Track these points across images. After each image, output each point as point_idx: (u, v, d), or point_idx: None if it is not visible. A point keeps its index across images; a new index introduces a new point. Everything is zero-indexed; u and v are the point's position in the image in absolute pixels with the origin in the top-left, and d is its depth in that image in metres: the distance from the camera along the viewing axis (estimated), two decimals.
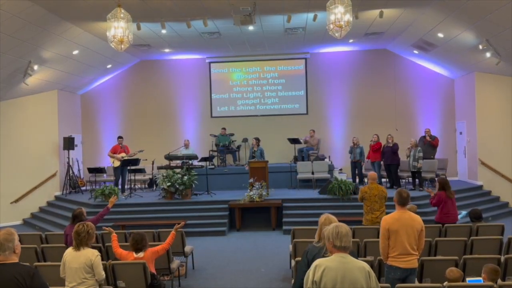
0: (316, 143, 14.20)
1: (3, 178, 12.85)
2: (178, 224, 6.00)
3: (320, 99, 15.46)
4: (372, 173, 7.98)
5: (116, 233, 5.80)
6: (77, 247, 4.50)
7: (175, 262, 6.76)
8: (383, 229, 4.74)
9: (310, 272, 3.18)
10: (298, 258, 4.76)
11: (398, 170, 12.24)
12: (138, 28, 10.68)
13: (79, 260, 4.42)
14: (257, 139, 13.67)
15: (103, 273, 4.53)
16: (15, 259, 3.28)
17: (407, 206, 7.89)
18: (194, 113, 15.75)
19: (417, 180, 11.89)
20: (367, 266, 3.16)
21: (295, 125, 15.20)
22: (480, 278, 4.42)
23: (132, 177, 13.06)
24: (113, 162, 12.53)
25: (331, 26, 7.91)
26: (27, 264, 3.53)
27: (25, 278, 3.14)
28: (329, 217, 4.21)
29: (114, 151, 12.58)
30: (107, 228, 5.85)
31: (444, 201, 7.58)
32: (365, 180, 13.24)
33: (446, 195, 7.54)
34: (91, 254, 4.47)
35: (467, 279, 4.67)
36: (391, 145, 11.98)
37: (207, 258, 8.50)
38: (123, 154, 12.47)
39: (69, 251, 4.55)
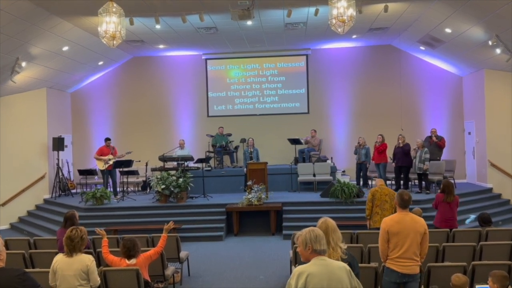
0: (318, 143, 14.20)
1: None
2: (167, 224, 6.03)
3: (322, 97, 15.46)
4: (379, 179, 8.37)
5: (108, 238, 5.80)
6: (70, 253, 4.48)
7: (170, 269, 6.76)
8: (382, 231, 4.77)
9: (292, 281, 3.18)
10: None
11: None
12: (131, 23, 10.68)
13: (73, 267, 4.41)
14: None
15: (99, 279, 4.54)
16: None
17: (413, 210, 7.95)
18: (189, 112, 15.74)
19: (423, 182, 11.89)
20: (347, 266, 3.27)
21: (295, 125, 15.20)
22: (488, 286, 4.42)
23: (125, 180, 13.06)
24: (103, 165, 12.48)
25: (334, 21, 7.91)
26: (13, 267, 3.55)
27: (14, 281, 3.16)
28: (326, 221, 4.20)
29: (101, 153, 12.57)
30: (99, 230, 5.82)
31: (440, 204, 7.61)
32: (370, 182, 13.29)
33: (443, 199, 7.57)
34: (87, 260, 4.46)
35: (476, 286, 4.67)
36: (401, 145, 11.97)
37: (204, 265, 8.50)
38: (110, 156, 12.45)
39: (60, 258, 4.53)
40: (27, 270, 5.58)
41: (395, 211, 7.35)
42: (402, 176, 12.14)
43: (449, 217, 7.60)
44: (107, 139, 12.92)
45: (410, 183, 12.63)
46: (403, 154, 11.92)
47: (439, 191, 8.19)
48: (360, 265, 5.40)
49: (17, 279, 3.22)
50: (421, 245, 4.72)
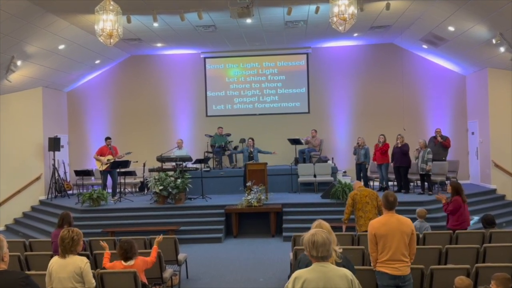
0: (318, 143, 14.20)
1: None
2: (158, 237, 6.17)
3: (322, 97, 15.46)
4: (357, 181, 8.40)
5: (105, 240, 5.81)
6: (63, 255, 4.47)
7: (168, 271, 6.75)
8: (370, 234, 4.81)
9: (289, 285, 3.22)
10: None
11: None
12: (129, 21, 10.68)
13: (67, 269, 4.39)
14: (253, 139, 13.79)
15: (94, 281, 4.52)
16: (2, 266, 3.34)
17: (417, 210, 7.96)
18: (188, 112, 15.74)
19: (426, 183, 11.90)
20: (349, 274, 3.24)
21: (296, 125, 15.20)
22: None
23: (122, 181, 13.05)
24: (100, 165, 12.47)
25: (335, 19, 7.91)
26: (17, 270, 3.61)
27: (17, 284, 3.21)
28: (321, 223, 4.21)
29: (100, 152, 12.54)
30: (103, 243, 5.82)
31: (462, 207, 7.56)
32: (371, 183, 13.30)
33: (462, 200, 7.53)
34: (80, 262, 4.44)
35: None
36: (400, 145, 11.98)
37: (202, 267, 8.50)
38: (109, 157, 12.43)
39: (55, 260, 4.52)
40: None
41: (379, 210, 7.47)
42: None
43: (467, 218, 7.63)
44: (107, 138, 12.89)
45: (412, 184, 12.63)
46: (401, 154, 11.93)
47: (449, 192, 8.03)
48: (361, 267, 5.41)
49: (20, 282, 3.26)
50: (409, 246, 4.75)
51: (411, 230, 4.74)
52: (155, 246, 5.96)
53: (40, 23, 10.39)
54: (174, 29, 12.43)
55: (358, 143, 13.08)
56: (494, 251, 6.06)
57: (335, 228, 5.01)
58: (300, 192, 12.95)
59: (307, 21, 12.06)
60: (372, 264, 4.92)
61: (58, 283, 4.40)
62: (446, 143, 12.69)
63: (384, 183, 12.53)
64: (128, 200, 12.30)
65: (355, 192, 7.73)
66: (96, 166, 13.01)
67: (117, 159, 12.51)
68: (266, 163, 12.37)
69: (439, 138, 12.68)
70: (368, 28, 12.92)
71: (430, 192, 11.70)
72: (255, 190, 11.03)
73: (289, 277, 3.95)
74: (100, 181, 13.23)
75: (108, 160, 12.36)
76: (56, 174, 13.59)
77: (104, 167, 12.36)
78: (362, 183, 8.63)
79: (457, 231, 7.07)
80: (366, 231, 7.30)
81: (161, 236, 6.26)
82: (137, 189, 14.27)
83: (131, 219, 11.10)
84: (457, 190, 7.60)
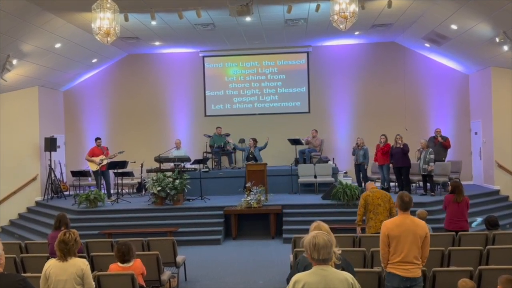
0: (319, 144, 14.20)
1: None
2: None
3: (323, 96, 15.46)
4: (370, 183, 8.53)
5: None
6: (64, 258, 4.45)
7: (166, 274, 6.75)
8: (382, 235, 4.78)
9: None
10: None
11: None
12: (126, 19, 10.66)
13: (68, 271, 4.38)
14: (255, 140, 13.74)
15: (93, 283, 4.52)
16: None
17: (417, 212, 7.99)
18: (186, 112, 15.74)
19: (428, 184, 11.90)
20: (350, 278, 3.24)
21: (296, 125, 15.20)
22: None
23: (119, 181, 13.04)
24: (96, 166, 12.45)
25: (335, 17, 7.92)
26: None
27: (15, 287, 3.23)
28: (319, 224, 4.21)
29: (92, 153, 12.54)
30: None
31: (450, 205, 7.62)
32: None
33: (452, 199, 7.59)
34: (82, 264, 4.44)
35: None
36: (401, 146, 11.98)
37: (201, 269, 8.50)
38: (102, 157, 12.42)
39: (53, 263, 4.48)
40: None
41: (390, 213, 7.46)
42: (402, 177, 12.14)
43: (459, 218, 7.64)
44: (97, 139, 12.88)
45: (414, 184, 12.63)
46: (401, 154, 11.92)
47: (446, 192, 8.23)
48: (362, 269, 5.42)
49: (18, 285, 3.28)
50: (422, 248, 4.73)
51: (425, 232, 4.71)
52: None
53: (36, 21, 10.38)
54: (172, 28, 12.43)
55: (357, 143, 13.07)
56: (497, 253, 6.07)
57: (335, 230, 5.00)
58: (300, 193, 12.94)
59: (307, 19, 12.06)
60: (383, 265, 4.91)
61: (58, 286, 4.39)
62: (446, 143, 12.70)
63: (385, 183, 12.53)
64: (126, 201, 12.30)
65: (368, 193, 7.69)
66: (89, 167, 12.98)
67: (109, 159, 12.51)
68: (266, 164, 12.37)
69: (439, 138, 12.68)
70: (369, 26, 12.92)
71: (433, 193, 11.70)
72: (255, 191, 11.03)
73: (287, 280, 3.95)
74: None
75: (101, 159, 12.36)
76: (53, 175, 13.58)
77: (100, 166, 12.36)
78: (374, 184, 8.65)
79: (459, 233, 7.09)
80: (376, 233, 7.32)
81: None
82: (135, 190, 14.26)
83: (128, 220, 11.10)
84: (453, 189, 7.77)
